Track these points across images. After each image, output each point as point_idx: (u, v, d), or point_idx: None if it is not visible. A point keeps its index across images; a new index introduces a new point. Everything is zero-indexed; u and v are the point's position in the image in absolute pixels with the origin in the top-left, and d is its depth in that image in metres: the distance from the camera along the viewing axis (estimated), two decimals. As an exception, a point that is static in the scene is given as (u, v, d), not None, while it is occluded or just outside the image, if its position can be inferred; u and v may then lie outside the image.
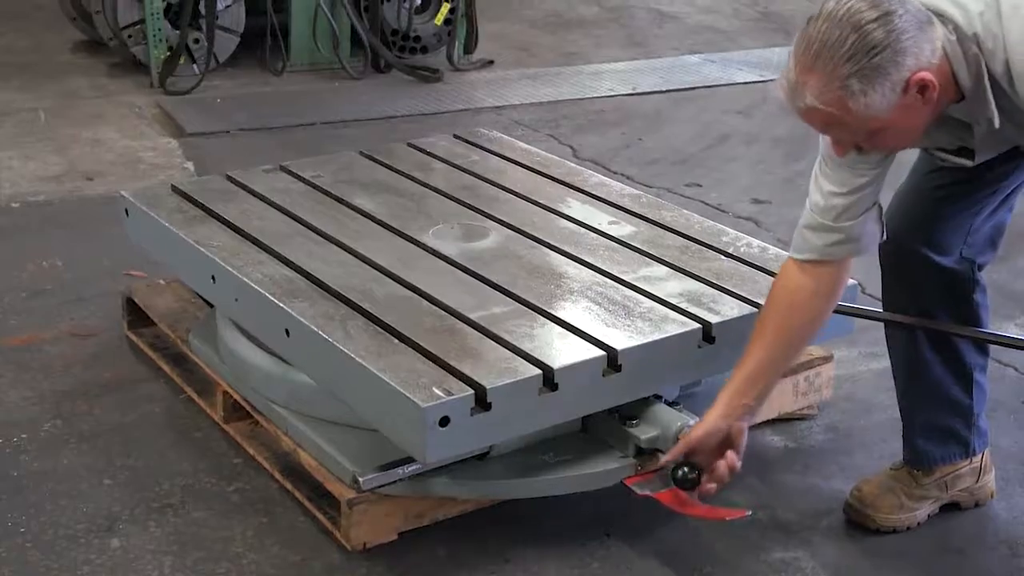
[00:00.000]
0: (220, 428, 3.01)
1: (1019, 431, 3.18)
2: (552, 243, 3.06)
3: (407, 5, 6.50)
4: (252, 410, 2.90)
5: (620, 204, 3.34)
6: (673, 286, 2.84)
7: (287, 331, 2.65)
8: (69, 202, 4.59)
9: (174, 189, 3.32)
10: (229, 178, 3.42)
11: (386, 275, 2.84)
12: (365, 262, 2.91)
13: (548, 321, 2.66)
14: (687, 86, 6.41)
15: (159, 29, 6.03)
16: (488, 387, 2.37)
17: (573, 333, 2.61)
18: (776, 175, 5.11)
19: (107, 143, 5.25)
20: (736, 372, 2.51)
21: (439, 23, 6.63)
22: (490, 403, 2.37)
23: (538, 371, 2.45)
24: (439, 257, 2.96)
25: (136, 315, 3.43)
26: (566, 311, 2.71)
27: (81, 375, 3.31)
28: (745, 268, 2.96)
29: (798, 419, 3.16)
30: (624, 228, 3.18)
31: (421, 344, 2.52)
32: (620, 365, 2.54)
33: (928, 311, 2.64)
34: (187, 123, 5.50)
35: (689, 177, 5.03)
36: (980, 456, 2.82)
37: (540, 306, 2.72)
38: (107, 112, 5.68)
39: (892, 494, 2.76)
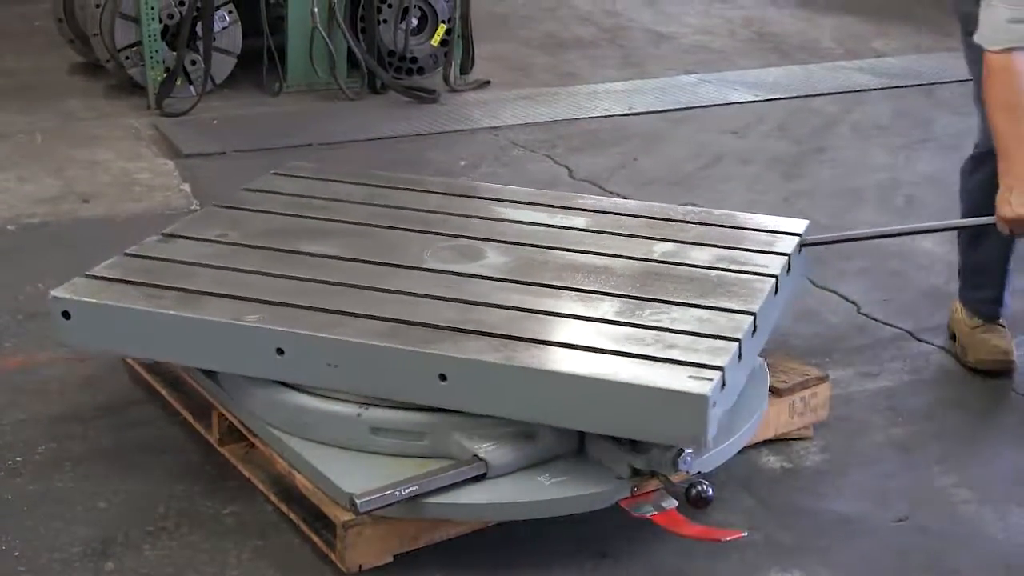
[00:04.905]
0: (215, 451, 3.00)
1: (1016, 451, 3.18)
2: (550, 245, 3.13)
3: (404, 26, 6.52)
4: (247, 432, 2.89)
5: (539, 202, 3.49)
6: (702, 256, 3.07)
7: (442, 376, 2.56)
8: (65, 224, 4.60)
9: (91, 277, 2.94)
10: (130, 255, 3.07)
11: (463, 303, 2.79)
12: (424, 296, 2.83)
13: (668, 306, 2.79)
14: (683, 106, 6.43)
15: (156, 51, 6.05)
16: (725, 367, 2.50)
17: (707, 310, 2.77)
18: (772, 195, 5.12)
19: (103, 164, 5.26)
20: (1017, 149, 3.00)
21: (436, 44, 6.66)
22: (725, 382, 2.51)
23: (736, 342, 2.60)
24: (482, 278, 2.95)
25: (132, 337, 3.41)
26: (672, 293, 2.86)
27: (76, 398, 3.31)
28: (726, 230, 3.24)
29: (794, 440, 3.15)
30: (577, 219, 3.34)
31: (611, 348, 2.59)
32: (757, 327, 2.76)
33: None
34: (184, 144, 5.51)
35: (685, 197, 5.03)
36: None
37: (642, 295, 2.85)
38: (104, 133, 5.69)
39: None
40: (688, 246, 3.15)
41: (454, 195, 3.57)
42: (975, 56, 3.20)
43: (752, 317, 2.75)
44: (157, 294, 2.85)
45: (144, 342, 2.83)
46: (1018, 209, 3.03)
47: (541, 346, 2.62)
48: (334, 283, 2.93)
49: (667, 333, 2.67)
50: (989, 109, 3.13)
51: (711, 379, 2.45)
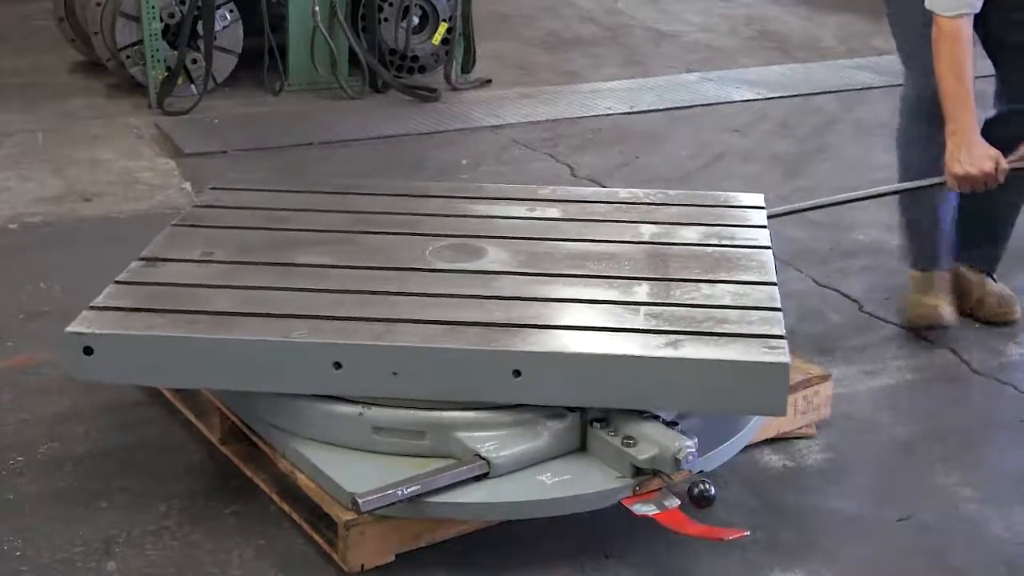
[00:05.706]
0: (217, 450, 3.00)
1: (1018, 450, 3.18)
2: (539, 237, 3.16)
3: (405, 25, 6.52)
4: (249, 432, 2.89)
5: (501, 196, 3.54)
6: (690, 234, 3.18)
7: (517, 372, 2.55)
8: (67, 223, 4.60)
9: (100, 308, 2.78)
10: (123, 282, 2.90)
11: (503, 299, 2.79)
12: (462, 296, 2.82)
13: (694, 284, 2.86)
14: (685, 104, 6.43)
15: (157, 50, 6.06)
16: (784, 335, 2.59)
17: (733, 284, 2.86)
18: (773, 193, 5.08)
19: (105, 164, 5.26)
20: (963, 110, 3.25)
21: (437, 43, 6.66)
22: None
23: (779, 312, 2.73)
24: (503, 274, 2.95)
25: (133, 337, 3.39)
26: (688, 272, 2.93)
27: (78, 397, 3.30)
28: (695, 208, 3.35)
29: (797, 438, 3.15)
30: (548, 210, 3.37)
31: (672, 329, 2.64)
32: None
33: None
34: (185, 143, 5.51)
35: (687, 195, 5.04)
36: None
37: (663, 276, 2.91)
38: (105, 133, 5.69)
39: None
40: (672, 226, 3.22)
41: (416, 196, 3.52)
42: (918, 28, 3.44)
43: (776, 287, 2.85)
44: (190, 319, 2.69)
45: (179, 371, 2.65)
46: (967, 167, 3.25)
47: (604, 333, 2.64)
48: (359, 291, 2.86)
49: (712, 309, 2.73)
50: (938, 71, 3.31)
51: (783, 347, 2.54)
